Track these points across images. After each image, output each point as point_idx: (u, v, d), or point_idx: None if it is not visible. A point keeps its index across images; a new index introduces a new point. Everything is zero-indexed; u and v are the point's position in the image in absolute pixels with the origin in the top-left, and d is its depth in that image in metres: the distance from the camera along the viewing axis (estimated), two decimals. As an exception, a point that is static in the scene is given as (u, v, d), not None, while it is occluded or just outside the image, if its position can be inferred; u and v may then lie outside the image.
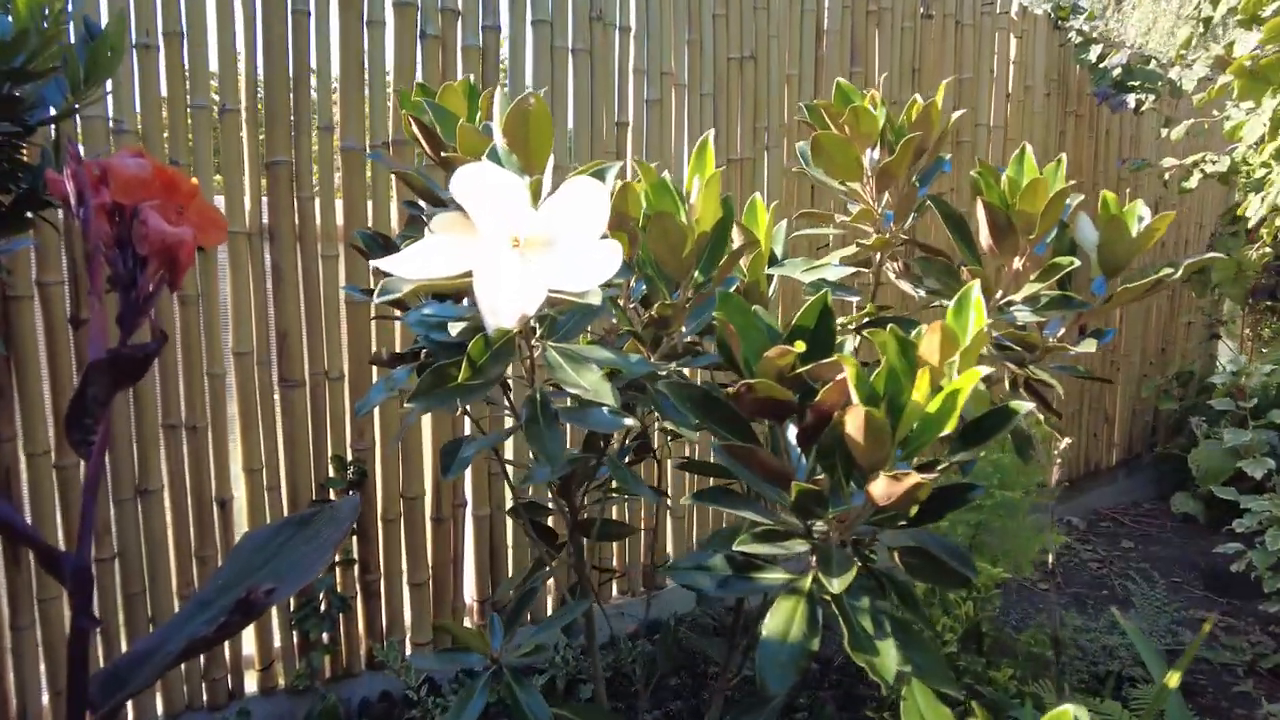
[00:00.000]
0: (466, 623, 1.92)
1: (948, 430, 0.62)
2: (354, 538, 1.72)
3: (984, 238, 0.92)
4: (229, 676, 1.63)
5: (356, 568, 1.73)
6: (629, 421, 0.79)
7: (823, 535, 0.73)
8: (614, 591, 2.15)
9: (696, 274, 0.85)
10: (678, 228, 0.79)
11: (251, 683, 1.68)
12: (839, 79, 1.04)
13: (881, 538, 0.75)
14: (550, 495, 1.14)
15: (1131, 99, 2.75)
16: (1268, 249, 2.49)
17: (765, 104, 2.20)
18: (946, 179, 2.53)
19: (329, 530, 0.93)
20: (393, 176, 1.67)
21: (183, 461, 1.54)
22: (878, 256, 1.05)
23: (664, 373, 0.83)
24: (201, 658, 1.59)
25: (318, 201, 1.62)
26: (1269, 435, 2.67)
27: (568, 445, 1.57)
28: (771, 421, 0.73)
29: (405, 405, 0.73)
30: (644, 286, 0.91)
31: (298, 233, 1.61)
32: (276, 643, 1.68)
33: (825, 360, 0.67)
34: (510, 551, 1.92)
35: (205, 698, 1.61)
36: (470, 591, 1.91)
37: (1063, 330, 0.97)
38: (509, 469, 1.37)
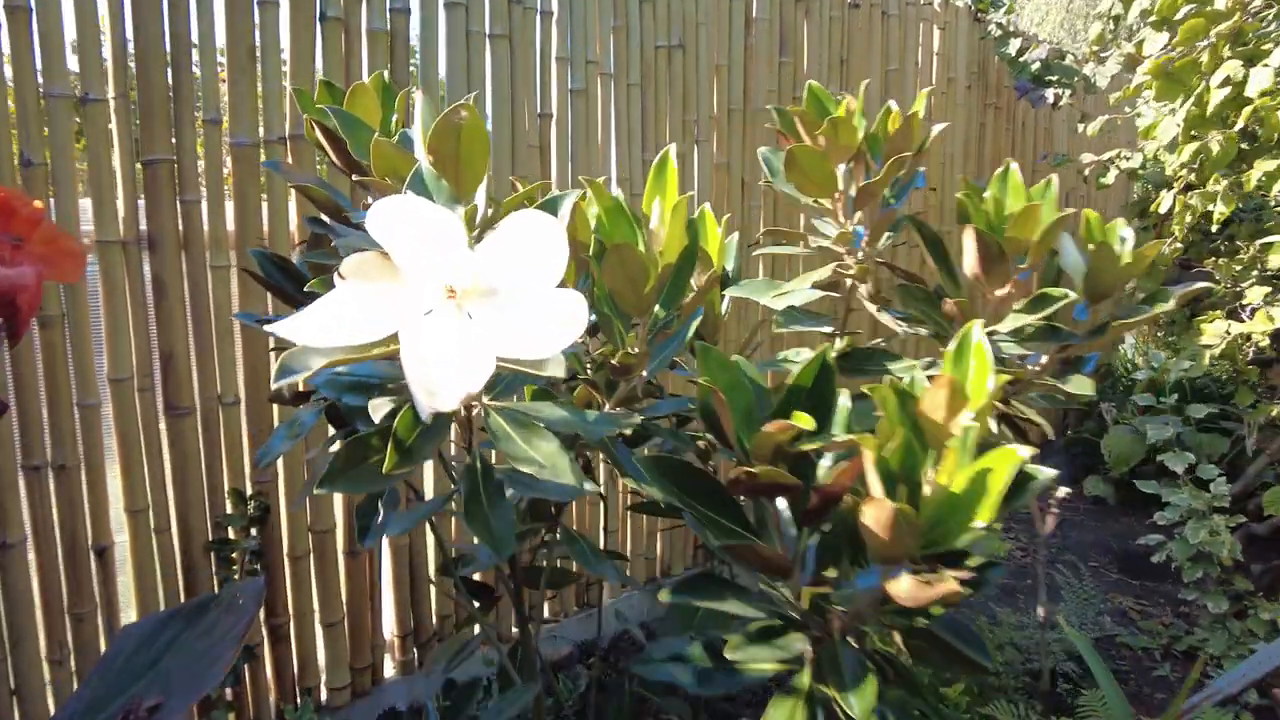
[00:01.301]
0: (388, 661, 1.77)
1: (982, 521, 0.53)
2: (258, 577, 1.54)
3: (969, 264, 0.84)
4: (114, 744, 1.44)
5: (263, 611, 1.56)
6: (589, 487, 0.67)
7: (822, 627, 0.63)
8: (544, 611, 2.03)
9: (657, 309, 0.74)
10: (638, 260, 0.67)
11: (142, 749, 1.49)
12: (811, 82, 0.94)
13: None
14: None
15: (1050, 93, 2.76)
16: (1179, 244, 2.54)
17: (694, 95, 2.10)
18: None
19: (228, 621, 0.78)
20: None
21: (50, 507, 1.34)
22: (848, 281, 0.96)
23: (626, 430, 0.72)
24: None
25: (205, 204, 1.43)
26: (1187, 430, 2.75)
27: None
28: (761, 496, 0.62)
29: (317, 487, 0.59)
30: (592, 318, 0.79)
31: (182, 240, 1.41)
32: (170, 702, 1.49)
33: (837, 438, 0.57)
34: (432, 582, 1.78)
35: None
36: (390, 626, 1.76)
37: (1044, 359, 0.90)
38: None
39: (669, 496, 0.62)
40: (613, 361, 0.71)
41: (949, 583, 0.50)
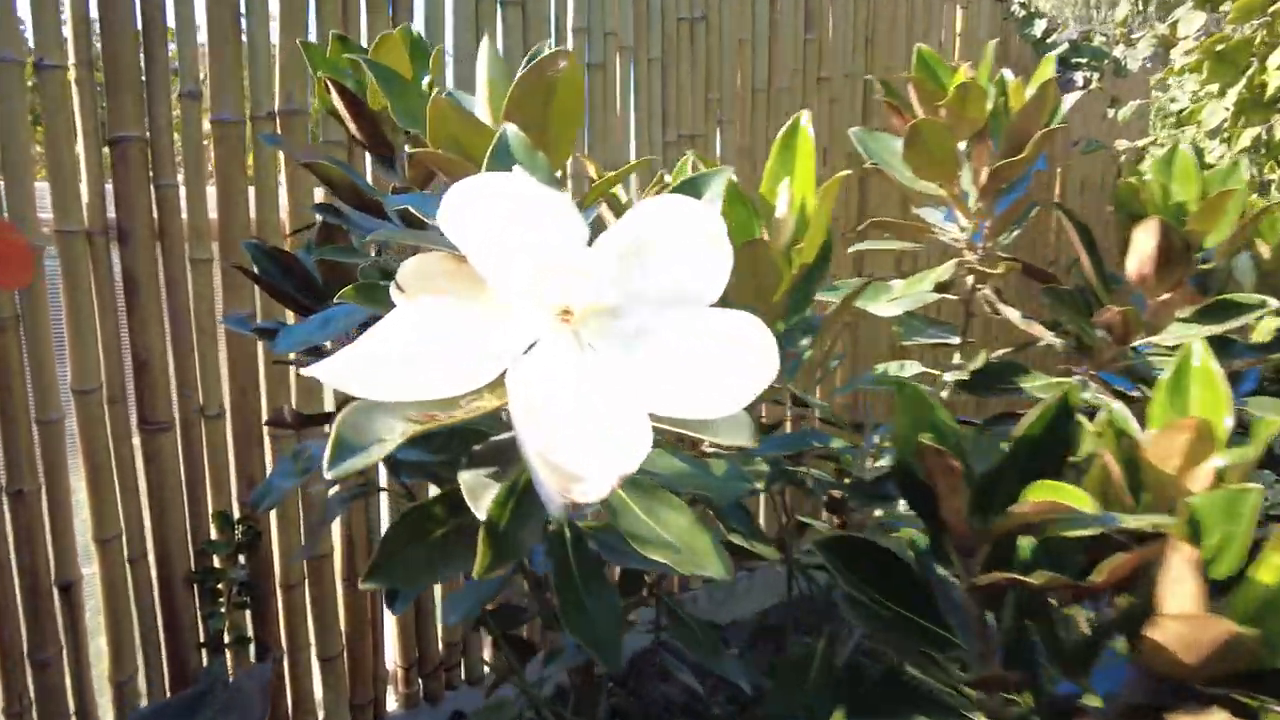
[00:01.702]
0: (390, 694, 1.61)
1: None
2: (247, 612, 1.37)
3: (1136, 263, 0.69)
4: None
5: (253, 648, 1.38)
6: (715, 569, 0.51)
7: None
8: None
9: (778, 322, 0.58)
10: (770, 262, 0.51)
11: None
12: (919, 44, 0.79)
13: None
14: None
15: (1079, 77, 2.63)
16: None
17: (718, 72, 1.93)
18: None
19: (227, 723, 0.62)
20: (281, 158, 1.31)
21: (5, 537, 1.16)
22: (969, 280, 0.81)
23: (756, 486, 0.56)
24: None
25: (183, 190, 1.25)
26: None
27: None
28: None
29: (363, 581, 0.43)
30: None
31: (157, 230, 1.23)
32: (148, 755, 1.32)
33: (1127, 521, 0.41)
34: (438, 606, 1.61)
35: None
36: (392, 657, 1.60)
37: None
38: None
39: (865, 592, 0.46)
40: None
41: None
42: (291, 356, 1.31)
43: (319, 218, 0.75)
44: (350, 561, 1.47)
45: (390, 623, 1.57)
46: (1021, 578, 0.40)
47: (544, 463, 0.32)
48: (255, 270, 0.79)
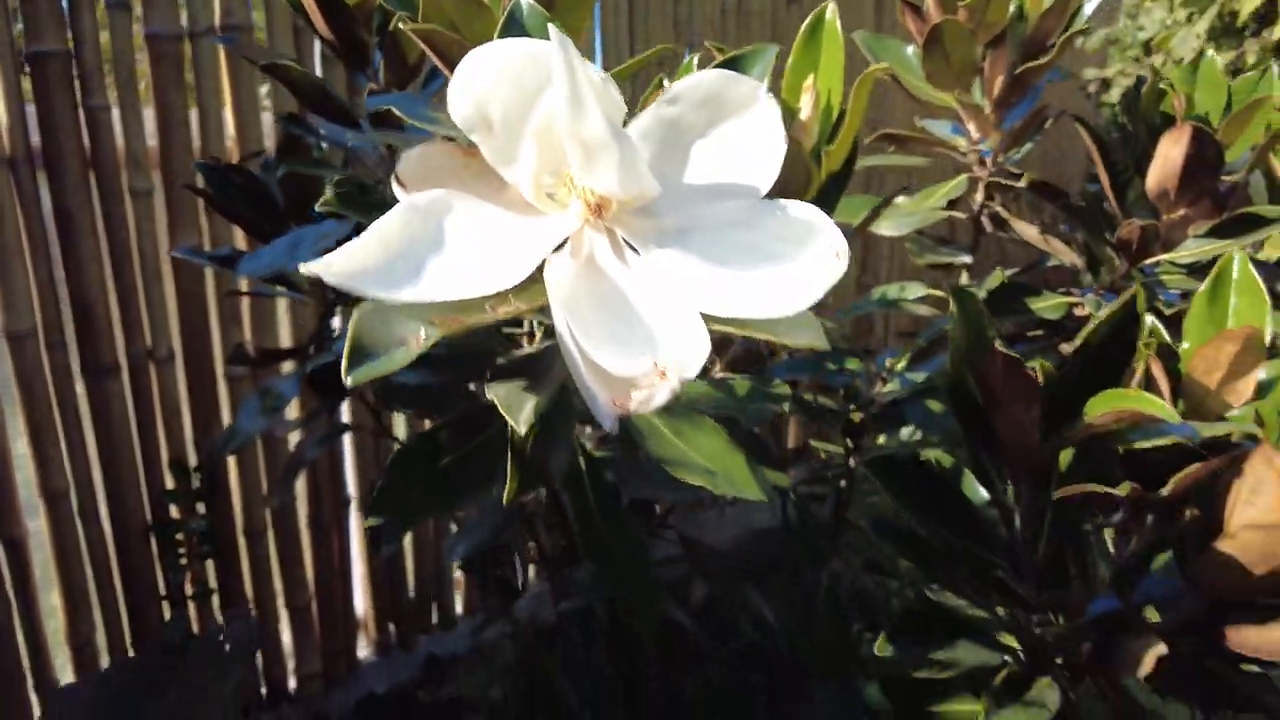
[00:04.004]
0: (361, 640, 1.57)
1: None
2: (210, 561, 1.32)
3: (1158, 175, 0.66)
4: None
5: (216, 599, 1.33)
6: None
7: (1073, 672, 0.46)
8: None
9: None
10: (800, 161, 0.46)
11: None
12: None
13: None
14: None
15: (1044, 1, 2.59)
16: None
17: (685, -8, 1.85)
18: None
19: (206, 683, 0.57)
20: (225, 78, 1.21)
21: (-59, 494, 1.08)
22: (978, 196, 0.77)
23: (781, 409, 0.52)
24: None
25: (116, 113, 1.14)
26: None
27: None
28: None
29: (369, 515, 0.38)
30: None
31: (89, 159, 1.13)
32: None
33: (1223, 430, 0.38)
34: (410, 554, 1.57)
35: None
36: (362, 603, 1.56)
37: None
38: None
39: (912, 513, 0.43)
40: None
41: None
42: (244, 288, 1.22)
43: (281, 129, 0.68)
44: (315, 506, 1.42)
45: (359, 569, 1.53)
46: (1108, 489, 0.38)
47: (592, 369, 0.27)
48: (210, 191, 0.72)
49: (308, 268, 0.28)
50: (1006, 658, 0.47)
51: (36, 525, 1.18)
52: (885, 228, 0.75)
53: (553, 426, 0.36)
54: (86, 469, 1.19)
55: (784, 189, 0.49)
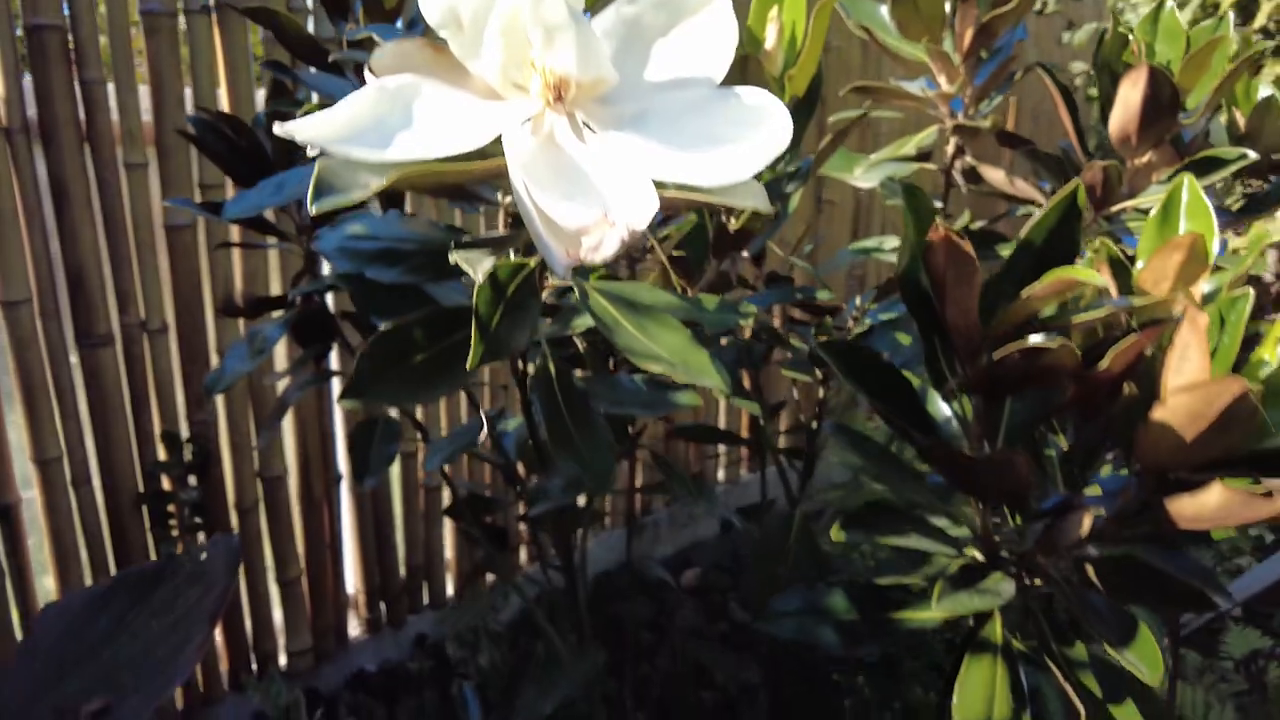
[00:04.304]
0: (352, 619, 1.59)
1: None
2: (201, 533, 1.33)
3: (1119, 120, 0.68)
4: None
5: (206, 572, 1.34)
6: (688, 399, 0.50)
7: (1023, 567, 0.48)
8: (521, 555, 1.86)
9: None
10: (761, 79, 0.49)
11: (71, 736, 1.28)
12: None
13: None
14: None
15: (1033, -1, 2.62)
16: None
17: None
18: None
19: (192, 594, 0.59)
20: (219, 54, 1.23)
21: (-64, 459, 1.10)
22: (949, 148, 0.80)
23: (747, 323, 0.54)
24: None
25: (112, 87, 1.16)
26: None
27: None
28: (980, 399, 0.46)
29: (342, 398, 0.40)
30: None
31: (84, 131, 1.15)
32: (103, 681, 1.28)
33: (1155, 300, 0.41)
34: (399, 529, 1.59)
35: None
36: (353, 581, 1.57)
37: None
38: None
39: (864, 390, 0.45)
40: (729, 225, 0.53)
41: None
42: (235, 239, 1.24)
43: (269, 77, 0.70)
44: (306, 482, 1.43)
45: (350, 547, 1.54)
46: (1039, 343, 0.39)
47: (546, 221, 0.29)
48: (202, 139, 0.74)
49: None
50: (963, 552, 0.49)
51: (30, 494, 1.19)
52: (859, 178, 0.77)
53: (516, 307, 0.38)
54: (80, 438, 1.21)
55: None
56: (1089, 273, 0.39)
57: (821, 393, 0.77)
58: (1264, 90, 0.71)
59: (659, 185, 0.31)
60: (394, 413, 0.80)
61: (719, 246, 0.56)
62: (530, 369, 0.48)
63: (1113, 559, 0.48)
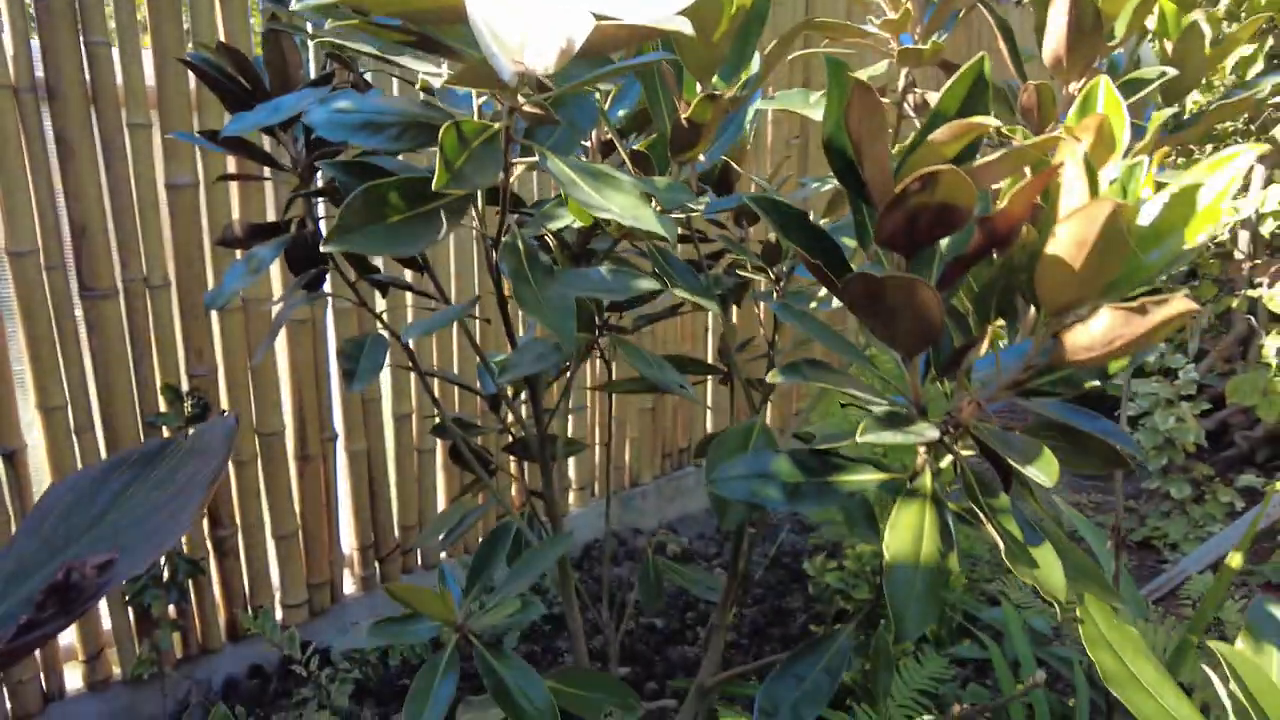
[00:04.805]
0: (346, 576, 1.63)
1: (1190, 244, 0.43)
2: (198, 486, 1.37)
3: (1051, 44, 0.73)
4: (41, 677, 1.27)
5: (206, 522, 1.39)
6: (648, 285, 0.55)
7: (949, 417, 0.52)
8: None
9: (716, 80, 0.61)
10: (715, 3, 0.54)
11: (75, 678, 1.32)
12: None
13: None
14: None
15: (1013, -12, 2.69)
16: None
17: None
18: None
19: (192, 466, 0.63)
20: (219, 20, 1.28)
21: (-55, 401, 1.14)
22: (901, 82, 0.85)
23: (697, 208, 0.59)
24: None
25: (116, 51, 1.22)
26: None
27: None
28: (897, 253, 0.51)
29: (325, 243, 0.45)
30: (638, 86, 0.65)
31: (90, 92, 1.20)
32: (106, 624, 1.33)
33: (1038, 139, 0.45)
34: (393, 489, 1.63)
35: (9, 706, 1.24)
36: (348, 540, 1.61)
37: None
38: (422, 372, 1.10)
39: (797, 240, 0.50)
40: (683, 116, 0.58)
41: (1179, 302, 0.40)
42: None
43: (267, 10, 0.75)
44: (302, 439, 1.48)
45: (345, 504, 1.58)
46: (934, 168, 0.44)
47: (491, 33, 0.34)
48: (207, 71, 0.79)
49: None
50: (888, 401, 0.54)
51: (34, 439, 1.24)
52: (812, 110, 0.82)
53: (478, 156, 0.43)
54: (84, 387, 1.25)
55: (702, 26, 0.56)
56: (987, 118, 0.44)
57: (775, 295, 0.82)
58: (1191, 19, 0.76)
59: (597, 17, 0.36)
60: (383, 331, 0.84)
61: (676, 142, 0.61)
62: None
63: (1026, 416, 0.53)
